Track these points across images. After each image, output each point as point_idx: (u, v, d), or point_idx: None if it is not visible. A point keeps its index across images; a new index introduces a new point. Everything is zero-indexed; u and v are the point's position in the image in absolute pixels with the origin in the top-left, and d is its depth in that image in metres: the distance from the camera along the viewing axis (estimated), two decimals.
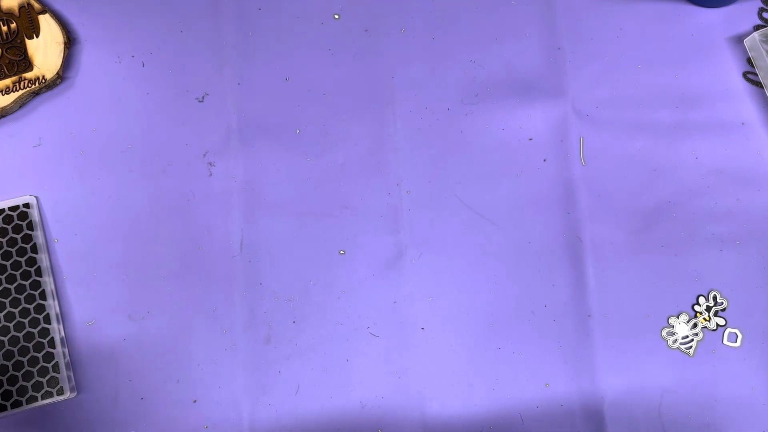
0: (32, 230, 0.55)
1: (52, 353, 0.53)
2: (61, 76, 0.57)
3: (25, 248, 0.54)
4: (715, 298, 0.55)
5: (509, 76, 0.58)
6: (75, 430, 0.53)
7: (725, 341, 0.55)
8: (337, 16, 0.59)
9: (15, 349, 0.53)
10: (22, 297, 0.53)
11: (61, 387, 0.52)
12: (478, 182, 0.57)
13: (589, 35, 0.59)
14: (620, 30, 0.59)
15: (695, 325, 0.55)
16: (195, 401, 0.54)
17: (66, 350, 0.54)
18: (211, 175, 0.57)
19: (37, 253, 0.54)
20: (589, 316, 0.55)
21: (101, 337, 0.54)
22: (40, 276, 0.54)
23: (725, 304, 0.55)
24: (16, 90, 0.55)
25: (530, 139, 0.57)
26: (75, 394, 0.53)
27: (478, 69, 0.58)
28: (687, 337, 0.55)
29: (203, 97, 0.58)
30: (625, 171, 0.57)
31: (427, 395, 0.54)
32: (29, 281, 0.54)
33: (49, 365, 0.53)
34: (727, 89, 0.58)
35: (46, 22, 0.56)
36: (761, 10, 0.59)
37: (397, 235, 0.56)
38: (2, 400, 0.52)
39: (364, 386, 0.54)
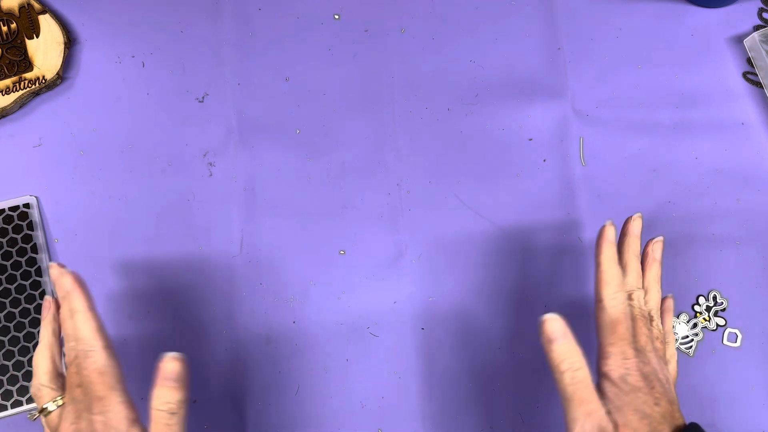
0: (32, 230, 0.55)
1: None
2: (61, 77, 0.57)
3: (25, 248, 0.54)
4: (715, 298, 0.55)
5: (509, 76, 0.58)
6: None
7: (725, 341, 0.55)
8: (337, 16, 0.59)
9: (15, 349, 0.53)
10: (22, 297, 0.53)
11: None
12: (478, 182, 0.57)
13: (589, 35, 0.59)
14: (620, 30, 0.59)
15: (695, 325, 0.55)
16: (195, 401, 0.54)
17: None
18: (211, 175, 0.57)
19: (37, 253, 0.54)
20: (589, 317, 0.55)
21: None
22: (40, 276, 0.54)
23: (725, 304, 0.55)
24: (16, 90, 0.55)
25: (530, 139, 0.58)
26: None
27: (478, 69, 0.58)
28: (687, 337, 0.55)
29: (203, 97, 0.58)
30: (625, 171, 0.57)
31: (427, 395, 0.54)
32: (29, 281, 0.54)
33: None
34: (727, 89, 0.58)
35: (46, 22, 0.56)
36: (761, 10, 0.59)
37: (397, 235, 0.56)
38: (2, 400, 0.52)
39: (364, 386, 0.54)
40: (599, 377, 0.43)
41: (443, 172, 0.57)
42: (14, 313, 0.53)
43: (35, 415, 0.44)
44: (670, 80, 0.58)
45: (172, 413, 0.40)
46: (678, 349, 0.55)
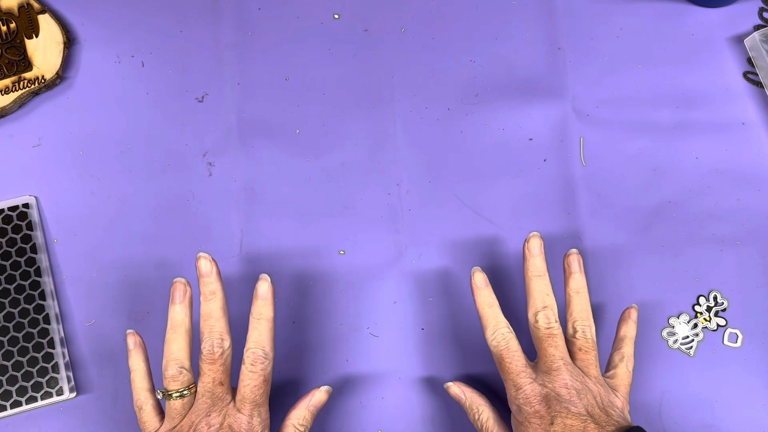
0: (32, 230, 0.55)
1: (52, 353, 0.53)
2: (61, 76, 0.56)
3: (25, 248, 0.54)
4: (715, 298, 0.55)
5: (509, 76, 0.58)
6: (75, 430, 0.53)
7: (725, 341, 0.55)
8: (337, 16, 0.59)
9: (14, 350, 0.53)
10: (21, 297, 0.53)
11: (61, 387, 0.52)
12: (478, 182, 0.57)
13: (589, 35, 0.59)
14: (620, 30, 0.59)
15: (695, 326, 0.55)
16: None
17: (66, 350, 0.54)
18: (211, 175, 0.57)
19: (36, 254, 0.54)
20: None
21: (101, 337, 0.54)
22: (40, 276, 0.54)
23: (725, 304, 0.55)
24: (16, 90, 0.55)
25: (530, 139, 0.57)
26: (75, 394, 0.53)
27: (478, 69, 0.58)
28: (687, 337, 0.55)
29: (203, 97, 0.58)
30: (625, 171, 0.57)
31: (427, 395, 0.54)
32: (29, 281, 0.54)
33: (49, 365, 0.52)
34: (727, 89, 0.58)
35: (45, 22, 0.56)
36: (761, 10, 0.59)
37: (397, 235, 0.56)
38: (1, 400, 0.52)
39: (364, 386, 0.54)
40: None
41: (443, 172, 0.57)
42: (13, 313, 0.53)
43: (163, 395, 0.46)
44: (670, 80, 0.58)
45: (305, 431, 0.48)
46: (678, 349, 0.55)
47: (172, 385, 0.45)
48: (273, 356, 0.46)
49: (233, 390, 0.47)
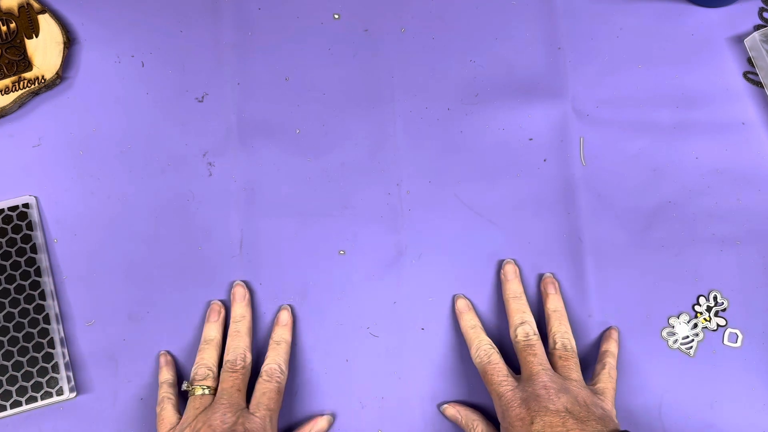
0: (31, 230, 0.55)
1: (52, 353, 0.53)
2: (61, 76, 0.56)
3: (25, 248, 0.54)
4: (715, 298, 0.55)
5: (509, 76, 0.58)
6: (75, 430, 0.53)
7: (725, 341, 0.55)
8: (337, 16, 0.59)
9: (14, 350, 0.53)
10: (21, 297, 0.53)
11: (61, 387, 0.52)
12: (478, 182, 0.57)
13: (589, 35, 0.59)
14: (620, 30, 0.59)
15: (695, 326, 0.55)
16: None
17: (65, 350, 0.54)
18: (211, 175, 0.57)
19: (36, 254, 0.54)
20: (589, 316, 0.55)
21: (101, 337, 0.54)
22: (40, 276, 0.54)
23: (726, 304, 0.55)
24: (16, 90, 0.55)
25: (530, 139, 0.57)
26: (74, 394, 0.53)
27: (478, 69, 0.58)
28: (687, 337, 0.55)
29: (203, 97, 0.58)
30: (625, 171, 0.57)
31: (427, 395, 0.54)
32: (28, 281, 0.54)
33: (49, 365, 0.52)
34: (727, 89, 0.58)
35: (45, 21, 0.56)
36: (761, 10, 0.59)
37: (397, 235, 0.56)
38: (1, 400, 0.52)
39: (364, 386, 0.54)
40: None
41: (443, 172, 0.57)
42: (13, 313, 0.53)
43: (189, 387, 0.51)
44: (670, 80, 0.58)
45: None
46: (678, 349, 0.55)
47: (198, 383, 0.50)
48: (287, 374, 0.52)
49: (248, 402, 0.50)
